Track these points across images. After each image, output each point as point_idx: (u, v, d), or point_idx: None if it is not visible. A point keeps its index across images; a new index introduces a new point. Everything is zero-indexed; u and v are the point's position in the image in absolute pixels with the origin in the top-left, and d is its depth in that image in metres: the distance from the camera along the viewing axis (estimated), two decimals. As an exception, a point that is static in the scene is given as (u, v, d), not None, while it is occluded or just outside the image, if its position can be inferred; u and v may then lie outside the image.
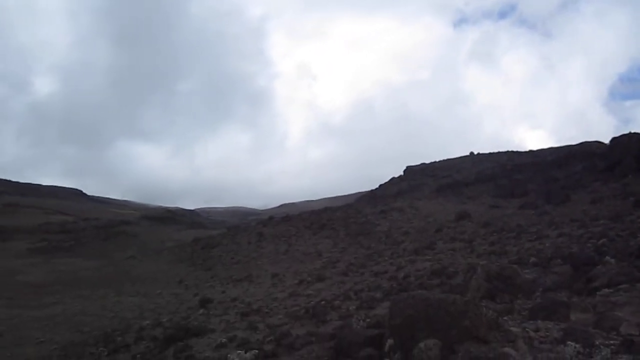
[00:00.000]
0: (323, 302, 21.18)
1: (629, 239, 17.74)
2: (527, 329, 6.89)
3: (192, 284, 40.68)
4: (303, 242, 50.08)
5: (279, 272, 38.13)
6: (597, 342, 5.82)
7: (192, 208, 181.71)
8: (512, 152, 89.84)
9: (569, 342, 5.77)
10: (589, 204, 36.47)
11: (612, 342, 5.97)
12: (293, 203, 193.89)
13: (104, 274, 49.91)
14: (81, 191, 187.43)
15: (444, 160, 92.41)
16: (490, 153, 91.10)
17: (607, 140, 60.35)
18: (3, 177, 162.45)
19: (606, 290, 9.75)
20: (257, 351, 11.47)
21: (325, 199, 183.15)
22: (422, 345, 6.04)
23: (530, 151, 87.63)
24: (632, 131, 51.55)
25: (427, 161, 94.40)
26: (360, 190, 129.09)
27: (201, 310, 26.83)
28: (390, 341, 6.92)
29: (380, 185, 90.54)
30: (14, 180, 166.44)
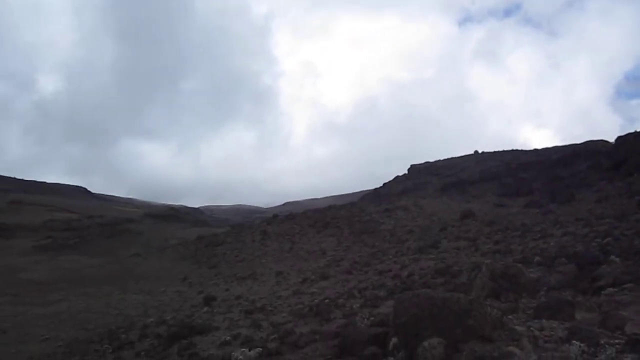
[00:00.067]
0: (327, 301, 21.19)
1: (634, 238, 17.68)
2: (531, 328, 6.86)
3: (196, 282, 40.74)
4: (307, 240, 50.08)
5: (283, 270, 38.14)
6: (602, 342, 5.80)
7: (196, 206, 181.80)
8: (517, 150, 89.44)
9: (573, 342, 5.75)
10: (594, 203, 36.34)
11: (617, 341, 5.94)
12: (297, 201, 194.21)
13: (108, 272, 50.02)
14: (86, 189, 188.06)
15: (448, 159, 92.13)
16: (494, 152, 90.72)
17: (612, 139, 60.24)
18: (8, 175, 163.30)
19: (611, 289, 9.72)
20: (261, 349, 11.50)
21: (329, 197, 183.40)
22: (426, 343, 6.04)
23: (535, 150, 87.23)
24: (638, 130, 51.44)
25: (432, 160, 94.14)
26: (365, 189, 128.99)
27: (205, 308, 26.86)
28: (394, 340, 6.93)
29: (385, 184, 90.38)
30: (18, 177, 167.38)
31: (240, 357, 11.25)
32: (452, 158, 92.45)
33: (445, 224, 42.63)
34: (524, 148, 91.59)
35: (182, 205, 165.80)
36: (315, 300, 22.29)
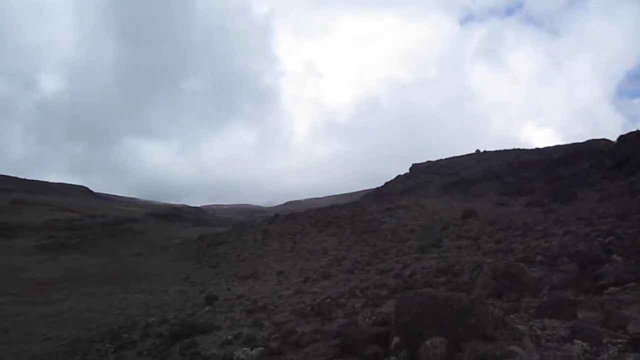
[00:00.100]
0: (328, 300, 21.18)
1: (637, 237, 17.63)
2: (533, 327, 6.86)
3: (197, 281, 40.76)
4: (309, 239, 50.08)
5: (285, 269, 38.15)
6: (605, 341, 5.79)
7: (198, 205, 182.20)
8: (519, 149, 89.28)
9: (576, 341, 5.74)
10: (596, 202, 36.27)
11: (619, 340, 5.93)
12: (299, 201, 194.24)
13: (110, 271, 50.10)
14: (87, 188, 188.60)
15: (450, 158, 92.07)
16: (496, 151, 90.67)
17: (614, 138, 60.05)
18: (10, 174, 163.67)
19: (613, 288, 9.69)
20: (262, 348, 11.50)
21: (331, 196, 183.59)
22: (428, 343, 6.04)
23: (537, 149, 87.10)
24: (640, 128, 51.29)
25: (433, 159, 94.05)
26: (366, 188, 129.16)
27: (207, 308, 26.87)
28: (396, 339, 6.92)
29: (386, 183, 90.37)
30: (20, 177, 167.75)
31: (242, 356, 11.25)
32: (453, 157, 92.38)
33: (447, 223, 42.60)
34: (526, 147, 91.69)
35: (183, 204, 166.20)
36: (317, 300, 22.28)
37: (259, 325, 18.12)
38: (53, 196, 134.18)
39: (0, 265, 50.89)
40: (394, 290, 19.49)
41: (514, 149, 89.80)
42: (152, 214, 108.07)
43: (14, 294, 37.57)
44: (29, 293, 38.55)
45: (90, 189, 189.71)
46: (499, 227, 34.57)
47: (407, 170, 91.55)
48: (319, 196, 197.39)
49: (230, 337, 16.49)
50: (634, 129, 51.78)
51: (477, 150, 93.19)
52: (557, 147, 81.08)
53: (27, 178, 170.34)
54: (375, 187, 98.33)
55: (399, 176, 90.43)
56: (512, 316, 7.81)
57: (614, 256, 13.05)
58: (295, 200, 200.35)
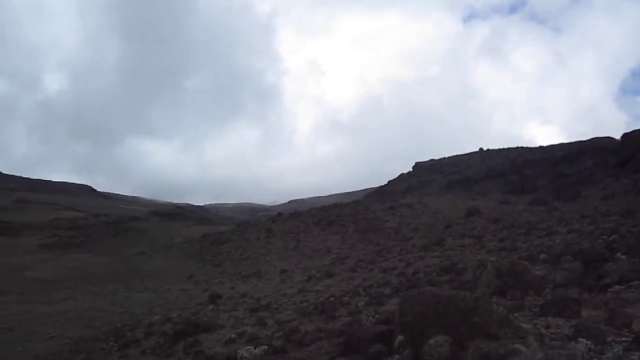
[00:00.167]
0: (332, 298, 21.16)
1: (641, 235, 17.58)
2: (538, 326, 6.85)
3: (201, 280, 40.82)
4: (312, 238, 50.09)
5: (288, 268, 38.17)
6: (609, 339, 5.78)
7: (201, 204, 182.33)
8: (522, 147, 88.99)
9: (580, 339, 5.73)
10: (600, 200, 36.20)
11: (623, 339, 5.92)
12: (302, 199, 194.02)
13: (113, 270, 50.22)
14: (91, 187, 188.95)
15: (453, 156, 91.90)
16: (499, 149, 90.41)
17: (618, 136, 59.91)
18: (14, 174, 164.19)
19: (617, 287, 9.67)
20: (266, 347, 11.50)
21: (334, 195, 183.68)
22: (432, 341, 6.03)
23: (541, 147, 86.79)
24: (644, 127, 51.10)
25: (436, 157, 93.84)
26: (369, 187, 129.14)
27: (210, 306, 26.91)
28: (400, 337, 6.92)
29: (389, 182, 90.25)
30: (24, 176, 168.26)
31: (246, 354, 11.26)
32: (456, 155, 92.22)
33: (450, 221, 42.57)
34: (529, 145, 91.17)
35: (187, 203, 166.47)
36: (320, 298, 22.27)
37: (262, 324, 18.12)
38: (57, 195, 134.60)
39: (4, 264, 51.12)
40: (397, 288, 19.46)
41: (518, 147, 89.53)
42: (156, 212, 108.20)
43: (18, 293, 37.71)
44: (33, 292, 38.69)
45: (94, 188, 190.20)
46: (502, 225, 34.53)
47: (410, 169, 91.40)
48: (322, 195, 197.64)
49: (233, 335, 16.49)
50: (638, 127, 51.71)
51: (481, 149, 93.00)
52: (560, 145, 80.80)
53: (31, 177, 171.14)
54: (378, 185, 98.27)
55: (402, 175, 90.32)
56: (516, 314, 7.80)
57: (618, 254, 13.02)
58: (298, 199, 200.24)
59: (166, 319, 24.97)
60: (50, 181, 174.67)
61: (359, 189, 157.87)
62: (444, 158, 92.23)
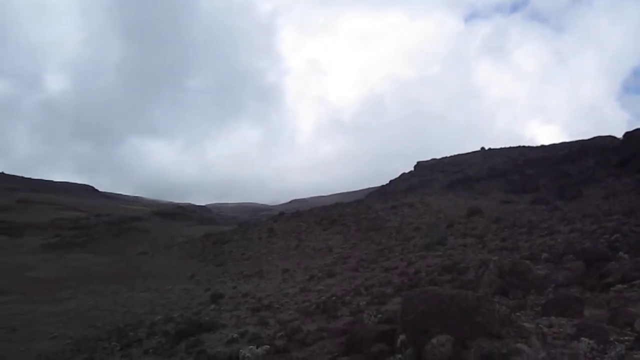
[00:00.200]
0: (334, 298, 21.17)
1: (643, 234, 17.56)
2: (540, 325, 6.84)
3: (203, 280, 40.85)
4: (314, 237, 50.11)
5: (290, 267, 38.19)
6: (611, 338, 5.78)
7: (202, 204, 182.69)
8: (524, 147, 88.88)
9: (582, 338, 5.73)
10: (602, 199, 36.15)
11: (626, 338, 5.92)
12: (303, 199, 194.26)
13: (115, 270, 50.29)
14: (93, 187, 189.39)
15: (454, 156, 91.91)
16: (501, 148, 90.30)
17: (620, 135, 59.73)
18: (16, 174, 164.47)
19: (620, 286, 9.65)
20: (268, 346, 11.51)
21: (335, 194, 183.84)
22: (434, 341, 6.03)
23: (542, 146, 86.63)
24: (646, 125, 51.01)
25: (438, 156, 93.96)
26: (371, 186, 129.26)
27: (212, 306, 26.93)
28: (402, 337, 6.92)
29: (391, 181, 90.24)
30: (26, 176, 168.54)
31: (248, 354, 11.27)
32: (458, 155, 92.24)
33: (452, 220, 42.53)
34: (531, 144, 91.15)
35: (188, 203, 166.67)
36: (322, 298, 22.26)
37: (264, 324, 18.13)
38: (59, 195, 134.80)
39: (6, 264, 51.23)
40: (399, 288, 19.45)
41: (519, 146, 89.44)
42: (157, 212, 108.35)
43: (21, 293, 37.78)
44: (35, 292, 38.76)
45: (96, 188, 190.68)
46: (504, 224, 34.49)
47: (412, 168, 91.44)
48: (324, 194, 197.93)
49: (235, 335, 16.49)
50: (640, 126, 51.54)
51: (482, 148, 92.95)
52: (562, 144, 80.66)
53: (33, 177, 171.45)
54: (379, 185, 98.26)
55: (403, 174, 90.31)
56: (518, 314, 7.80)
57: (620, 253, 12.99)
58: (300, 199, 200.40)
59: (168, 319, 24.99)
60: (52, 181, 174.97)
61: (361, 189, 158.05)
62: (446, 157, 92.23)
